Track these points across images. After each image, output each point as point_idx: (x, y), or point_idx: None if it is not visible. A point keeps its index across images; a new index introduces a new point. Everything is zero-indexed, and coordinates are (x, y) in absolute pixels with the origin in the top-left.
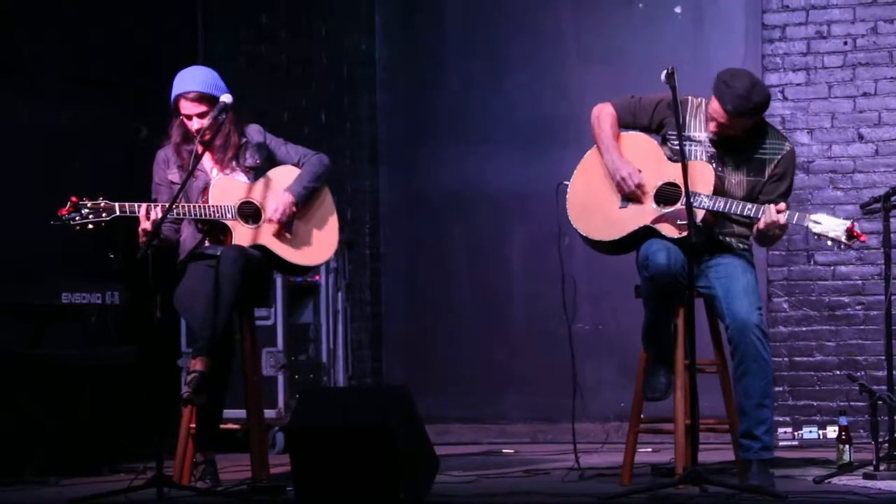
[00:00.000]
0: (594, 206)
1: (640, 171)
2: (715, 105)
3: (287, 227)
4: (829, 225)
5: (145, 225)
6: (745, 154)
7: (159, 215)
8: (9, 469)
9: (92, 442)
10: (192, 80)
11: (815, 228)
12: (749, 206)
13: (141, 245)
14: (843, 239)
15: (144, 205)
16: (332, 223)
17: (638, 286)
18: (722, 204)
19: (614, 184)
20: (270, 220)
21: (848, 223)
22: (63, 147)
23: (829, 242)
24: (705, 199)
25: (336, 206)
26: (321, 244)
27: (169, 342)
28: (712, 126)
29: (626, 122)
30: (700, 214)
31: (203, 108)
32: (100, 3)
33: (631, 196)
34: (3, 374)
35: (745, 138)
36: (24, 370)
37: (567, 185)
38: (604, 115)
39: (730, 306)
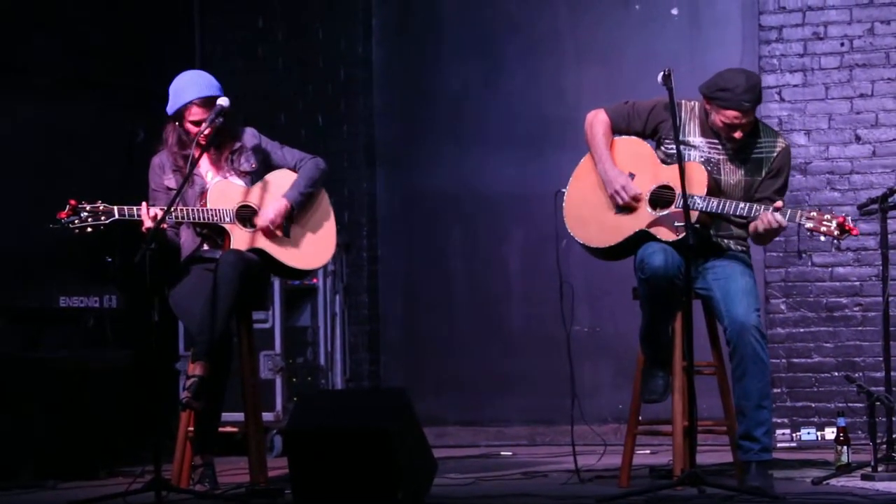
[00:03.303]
0: (590, 213)
1: (633, 175)
2: (730, 114)
3: (283, 232)
4: (821, 219)
5: (149, 224)
6: (743, 154)
7: (159, 216)
8: (6, 473)
9: (89, 445)
10: (196, 86)
11: (807, 224)
12: (742, 205)
13: (142, 245)
14: (836, 233)
15: (145, 204)
16: (330, 227)
17: (636, 288)
18: (716, 204)
19: (608, 195)
20: (265, 226)
21: (839, 217)
22: (60, 149)
23: (822, 238)
24: (699, 200)
25: (333, 209)
26: (319, 248)
27: (166, 345)
28: (738, 134)
29: (619, 129)
30: (694, 216)
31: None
32: (97, 4)
33: (626, 206)
34: (0, 377)
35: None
36: (22, 374)
37: (564, 194)
38: (597, 122)
39: (728, 308)
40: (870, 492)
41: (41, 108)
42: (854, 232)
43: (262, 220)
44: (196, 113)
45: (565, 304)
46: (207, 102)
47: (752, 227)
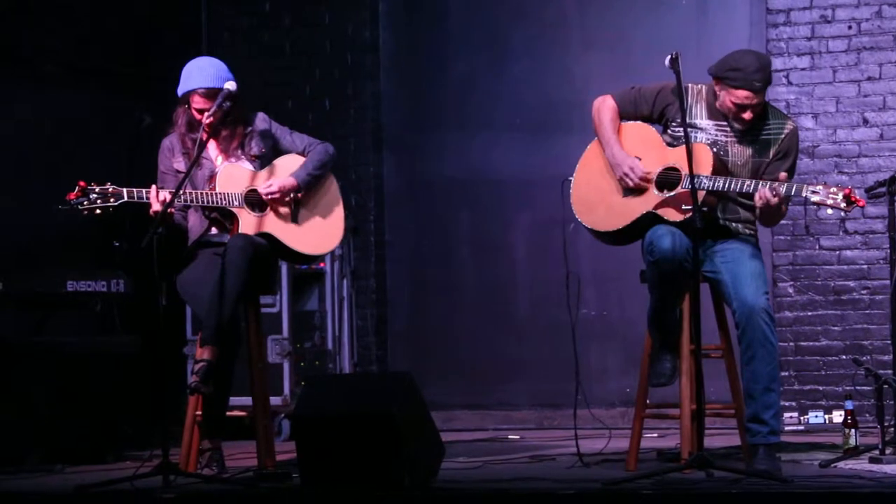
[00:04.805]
0: (597, 197)
1: (640, 158)
2: (741, 94)
3: (291, 216)
4: (827, 192)
5: (157, 207)
6: (750, 136)
7: (168, 199)
8: (14, 457)
9: (97, 430)
10: (202, 75)
11: (813, 198)
12: (748, 182)
13: (150, 228)
14: (842, 205)
15: (154, 187)
16: (338, 212)
17: (643, 272)
18: (721, 183)
19: (617, 178)
20: (265, 195)
21: (845, 189)
22: (67, 135)
23: (829, 210)
24: (704, 180)
25: (341, 194)
26: (327, 233)
27: (174, 330)
28: (748, 115)
29: (626, 114)
30: (701, 196)
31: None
32: None
33: (635, 189)
34: (7, 362)
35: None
36: (29, 358)
37: (571, 181)
38: (604, 108)
39: (737, 291)
40: (878, 474)
41: (48, 95)
42: (860, 203)
43: (265, 188)
44: (198, 102)
45: (572, 291)
46: (210, 93)
47: (756, 206)
